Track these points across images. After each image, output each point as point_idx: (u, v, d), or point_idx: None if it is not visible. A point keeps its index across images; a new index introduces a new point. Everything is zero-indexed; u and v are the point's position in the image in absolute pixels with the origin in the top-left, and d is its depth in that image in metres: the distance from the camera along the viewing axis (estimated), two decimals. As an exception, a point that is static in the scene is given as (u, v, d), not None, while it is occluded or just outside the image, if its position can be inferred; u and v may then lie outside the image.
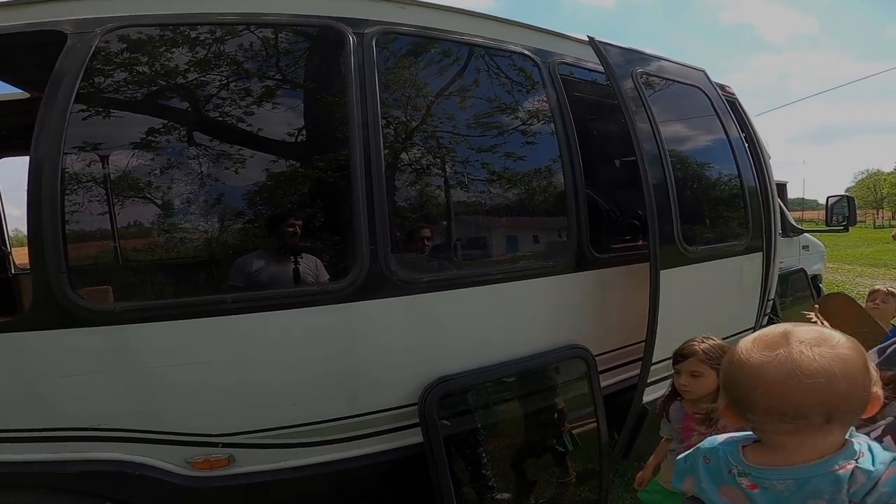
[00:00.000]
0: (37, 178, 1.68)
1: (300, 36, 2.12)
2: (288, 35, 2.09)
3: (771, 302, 3.37)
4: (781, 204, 3.93)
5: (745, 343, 0.85)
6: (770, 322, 3.34)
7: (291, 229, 2.04)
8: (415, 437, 2.01)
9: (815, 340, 0.78)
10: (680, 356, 1.83)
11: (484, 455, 2.14)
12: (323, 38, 2.09)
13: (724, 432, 1.79)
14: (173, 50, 1.93)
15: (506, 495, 2.16)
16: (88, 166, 1.88)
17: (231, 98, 1.98)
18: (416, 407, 2.00)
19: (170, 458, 1.88)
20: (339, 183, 1.97)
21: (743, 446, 0.90)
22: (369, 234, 1.88)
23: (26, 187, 1.68)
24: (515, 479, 2.27)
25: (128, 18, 1.86)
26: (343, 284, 1.89)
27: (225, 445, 1.89)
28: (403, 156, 2.17)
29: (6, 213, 4.50)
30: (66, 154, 1.74)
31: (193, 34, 1.93)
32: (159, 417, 1.84)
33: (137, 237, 2.06)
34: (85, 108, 1.81)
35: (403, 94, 2.19)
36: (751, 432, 0.89)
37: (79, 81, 1.77)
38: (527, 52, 2.40)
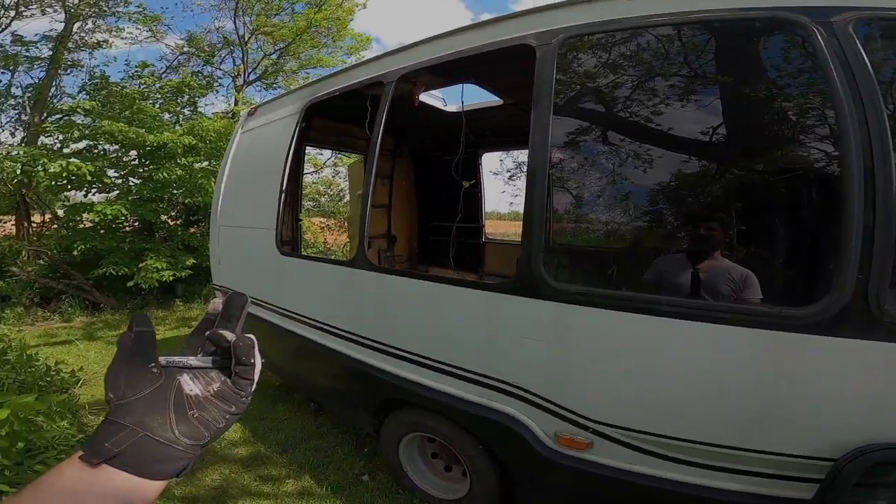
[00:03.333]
0: (532, 171, 2.01)
1: (758, 32, 1.81)
2: (746, 32, 1.81)
3: None
4: None
5: None
6: None
7: (750, 236, 1.85)
8: (795, 491, 1.64)
9: None
10: None
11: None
12: (780, 31, 1.75)
13: None
14: (619, 55, 2.01)
15: None
16: (571, 159, 2.14)
17: (690, 98, 1.88)
18: (822, 462, 1.57)
19: (545, 427, 2.06)
20: (823, 191, 1.64)
21: None
22: (860, 259, 1.49)
23: (525, 178, 2.02)
24: None
25: (574, 28, 2.04)
26: (806, 312, 1.57)
27: (594, 432, 1.94)
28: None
29: (485, 195, 5.94)
30: (552, 148, 2.01)
31: (631, 38, 1.97)
32: (559, 390, 2.01)
33: (598, 230, 2.15)
34: (560, 109, 2.05)
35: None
36: None
37: (553, 87, 2.03)
38: None
